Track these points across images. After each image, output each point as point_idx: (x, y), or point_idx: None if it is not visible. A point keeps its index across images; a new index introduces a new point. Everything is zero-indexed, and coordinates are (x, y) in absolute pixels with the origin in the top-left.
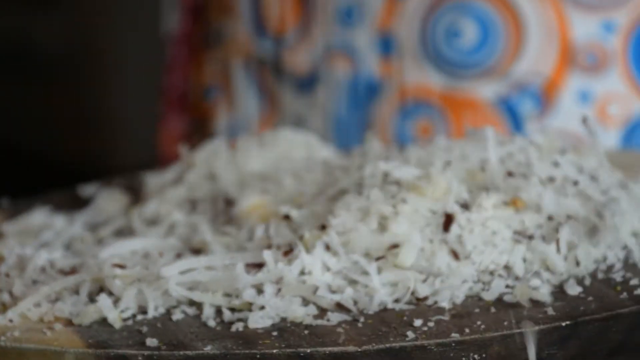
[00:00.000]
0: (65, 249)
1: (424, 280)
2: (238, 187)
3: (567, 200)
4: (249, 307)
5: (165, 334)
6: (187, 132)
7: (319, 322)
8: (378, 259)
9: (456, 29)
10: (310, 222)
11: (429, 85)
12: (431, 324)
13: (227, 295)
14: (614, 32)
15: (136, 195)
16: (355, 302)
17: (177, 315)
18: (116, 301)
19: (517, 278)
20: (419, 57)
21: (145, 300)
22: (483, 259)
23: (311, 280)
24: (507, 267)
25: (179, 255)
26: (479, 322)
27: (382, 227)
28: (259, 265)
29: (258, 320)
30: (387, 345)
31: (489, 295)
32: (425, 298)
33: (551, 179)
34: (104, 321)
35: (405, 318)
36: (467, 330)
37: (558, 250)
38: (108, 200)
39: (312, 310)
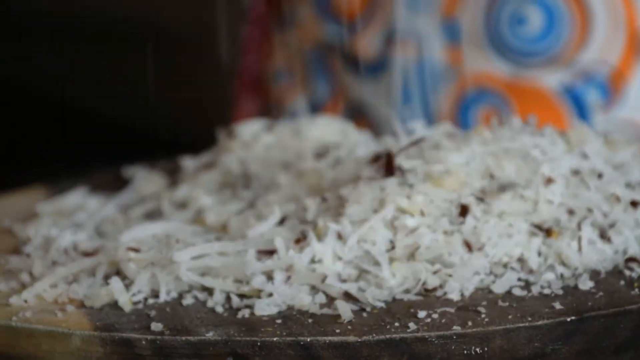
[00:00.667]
0: (96, 230)
1: (435, 272)
2: (264, 172)
3: (589, 193)
4: (258, 294)
5: (173, 319)
6: (260, 115)
7: (324, 311)
8: (390, 249)
9: (521, 16)
10: (326, 210)
11: (493, 73)
12: (435, 316)
13: (238, 281)
14: None
15: (175, 178)
16: (364, 292)
17: (187, 300)
18: (130, 284)
19: (530, 271)
20: (483, 44)
21: (157, 284)
22: (497, 251)
23: (321, 268)
24: (521, 260)
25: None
26: (483, 315)
27: (396, 217)
28: (271, 252)
29: (264, 308)
30: (388, 336)
31: (498, 288)
32: (434, 289)
33: (576, 172)
34: (115, 304)
35: (411, 309)
36: (469, 323)
37: (577, 244)
38: (146, 182)
39: (321, 298)
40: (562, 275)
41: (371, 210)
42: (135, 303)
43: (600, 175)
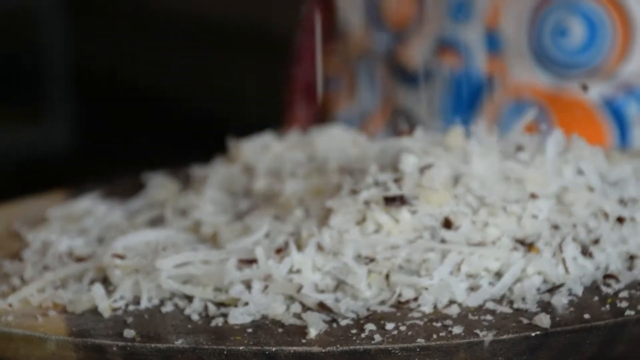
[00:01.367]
0: (99, 236)
1: (411, 285)
2: (268, 181)
3: (575, 208)
4: (235, 302)
5: (147, 326)
6: (312, 123)
7: (295, 321)
8: (369, 262)
9: (563, 27)
10: (311, 221)
11: (534, 84)
12: (403, 328)
13: (218, 290)
14: None
15: (187, 185)
16: (339, 303)
17: (167, 308)
18: (114, 290)
19: (506, 286)
20: (525, 55)
21: (140, 291)
22: (475, 265)
23: (299, 279)
24: (498, 274)
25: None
26: (451, 329)
27: (377, 230)
28: (252, 262)
29: (238, 317)
30: (352, 347)
31: (472, 302)
32: (408, 302)
33: (565, 189)
34: (96, 310)
35: (382, 321)
36: (434, 336)
37: (556, 259)
38: (158, 188)
39: (298, 308)
40: (539, 290)
41: (354, 222)
42: (115, 309)
43: (591, 190)
